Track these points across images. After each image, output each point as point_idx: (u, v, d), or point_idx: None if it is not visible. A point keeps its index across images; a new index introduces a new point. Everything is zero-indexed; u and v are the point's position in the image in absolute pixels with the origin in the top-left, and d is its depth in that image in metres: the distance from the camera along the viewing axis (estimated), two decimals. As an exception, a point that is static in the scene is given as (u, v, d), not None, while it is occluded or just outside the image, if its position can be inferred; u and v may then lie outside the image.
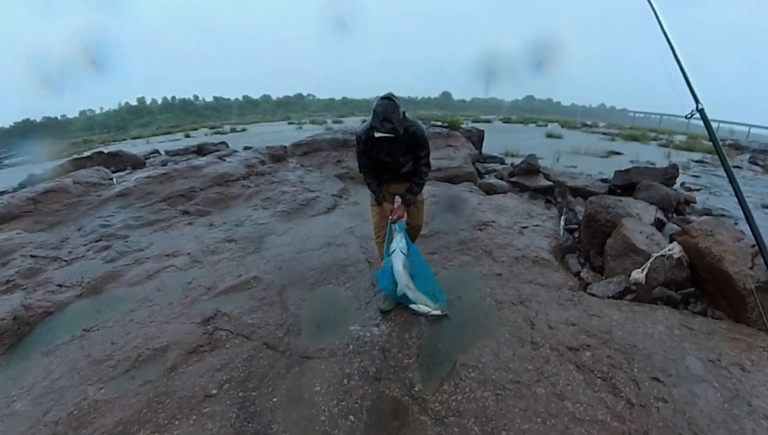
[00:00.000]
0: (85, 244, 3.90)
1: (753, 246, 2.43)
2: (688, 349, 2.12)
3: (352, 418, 1.84)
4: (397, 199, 2.69)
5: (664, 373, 1.96)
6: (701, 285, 2.64)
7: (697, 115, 1.79)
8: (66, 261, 3.58)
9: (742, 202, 1.63)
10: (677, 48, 1.99)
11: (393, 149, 2.39)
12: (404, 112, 2.32)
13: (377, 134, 2.21)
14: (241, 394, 2.00)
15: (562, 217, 4.24)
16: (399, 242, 2.50)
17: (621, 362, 2.04)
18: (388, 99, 2.21)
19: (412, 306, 2.51)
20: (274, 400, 1.96)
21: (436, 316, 2.49)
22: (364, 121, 2.50)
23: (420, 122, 2.47)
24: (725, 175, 1.80)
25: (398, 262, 2.46)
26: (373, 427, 1.79)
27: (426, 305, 2.50)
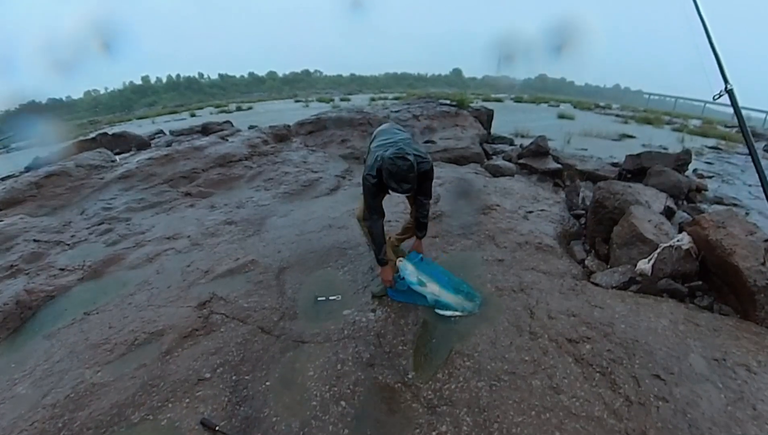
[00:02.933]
0: (87, 228, 3.91)
1: (766, 240, 2.32)
2: (693, 346, 2.05)
3: (343, 403, 1.84)
4: None
5: (666, 371, 1.89)
6: (709, 279, 2.54)
7: (725, 96, 1.67)
8: (68, 245, 3.60)
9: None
10: (710, 25, 1.85)
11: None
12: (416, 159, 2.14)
13: (395, 193, 2.24)
14: (234, 377, 2.01)
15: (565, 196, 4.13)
16: (409, 278, 2.39)
17: (621, 357, 1.98)
18: (404, 159, 2.05)
19: (447, 313, 2.36)
20: (267, 384, 1.97)
21: (470, 313, 2.39)
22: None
23: (428, 155, 2.33)
24: (749, 160, 1.68)
25: (413, 283, 2.39)
26: (363, 414, 1.79)
27: (462, 306, 2.40)
